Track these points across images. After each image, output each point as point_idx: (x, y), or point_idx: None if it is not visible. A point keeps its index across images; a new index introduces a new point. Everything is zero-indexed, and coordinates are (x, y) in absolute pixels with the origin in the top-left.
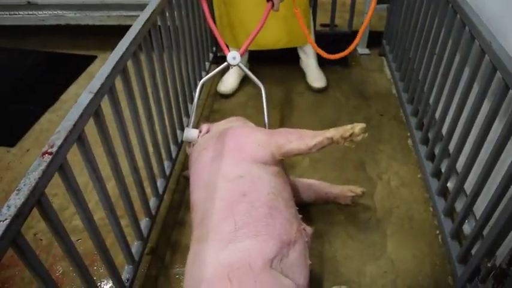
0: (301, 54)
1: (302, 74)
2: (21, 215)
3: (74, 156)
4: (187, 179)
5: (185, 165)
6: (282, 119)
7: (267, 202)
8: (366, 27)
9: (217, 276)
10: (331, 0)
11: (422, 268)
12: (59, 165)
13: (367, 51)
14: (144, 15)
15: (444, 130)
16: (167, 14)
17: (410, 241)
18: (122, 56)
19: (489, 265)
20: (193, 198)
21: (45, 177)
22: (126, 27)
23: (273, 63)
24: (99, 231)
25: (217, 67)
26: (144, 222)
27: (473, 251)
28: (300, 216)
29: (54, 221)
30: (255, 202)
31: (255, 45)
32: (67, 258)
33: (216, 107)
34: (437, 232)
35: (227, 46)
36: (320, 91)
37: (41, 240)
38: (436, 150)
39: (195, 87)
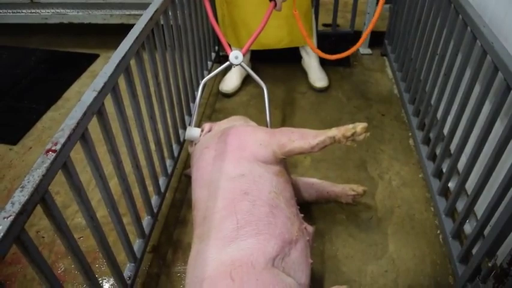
0: (303, 54)
1: (304, 74)
2: (25, 211)
3: (77, 154)
4: (189, 178)
5: (187, 164)
6: (284, 119)
7: (268, 201)
8: (369, 32)
9: (219, 275)
10: (333, 0)
11: (423, 267)
12: (62, 163)
13: (369, 51)
14: (147, 15)
15: (446, 130)
16: (170, 13)
17: (411, 241)
18: (125, 55)
19: (490, 265)
20: (195, 196)
21: (49, 175)
22: (129, 26)
23: (275, 63)
24: (101, 228)
25: (220, 66)
26: (146, 221)
27: (474, 251)
28: (302, 215)
29: (58, 218)
30: (257, 201)
31: (257, 44)
32: (69, 256)
33: (218, 106)
34: (438, 232)
35: (229, 45)
36: (322, 91)
37: (43, 237)
38: (438, 150)
39: (197, 86)
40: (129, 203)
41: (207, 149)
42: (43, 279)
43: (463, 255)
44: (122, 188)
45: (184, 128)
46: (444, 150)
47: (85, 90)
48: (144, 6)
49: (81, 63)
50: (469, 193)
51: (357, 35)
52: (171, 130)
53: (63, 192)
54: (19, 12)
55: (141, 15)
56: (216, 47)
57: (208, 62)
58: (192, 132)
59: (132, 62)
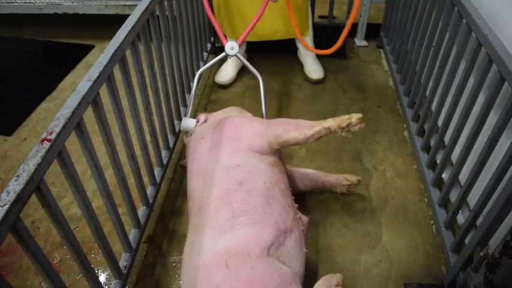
0: (299, 46)
1: (300, 66)
2: (20, 200)
3: (72, 146)
4: (184, 168)
5: (182, 155)
6: (280, 110)
7: (263, 191)
8: (351, 24)
9: (214, 263)
10: None
11: (416, 257)
12: (57, 152)
13: (365, 43)
14: (142, 5)
15: (440, 122)
16: (165, 3)
17: (405, 231)
18: (120, 45)
19: (482, 254)
20: (190, 187)
21: (44, 164)
22: (124, 17)
23: (271, 54)
24: (96, 218)
25: (216, 57)
26: (141, 211)
27: (466, 241)
28: (296, 205)
29: (53, 207)
30: (252, 191)
31: (253, 35)
32: (65, 246)
33: (213, 98)
34: (432, 222)
35: (225, 36)
36: (317, 82)
37: (39, 228)
38: (432, 142)
39: (193, 77)
40: (124, 194)
41: (203, 139)
42: (39, 269)
43: (455, 245)
44: (117, 179)
45: (180, 119)
46: (438, 141)
47: (80, 81)
48: None
49: (76, 54)
50: (462, 184)
51: (353, 26)
52: (166, 121)
53: (58, 183)
54: (13, 3)
55: (136, 5)
56: (212, 38)
57: (204, 53)
58: (188, 122)
59: (128, 53)
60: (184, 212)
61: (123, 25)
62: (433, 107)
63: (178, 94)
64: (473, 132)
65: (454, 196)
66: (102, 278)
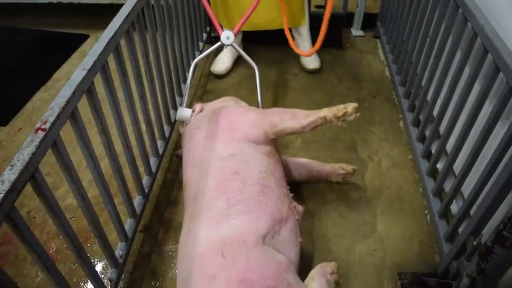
0: (296, 36)
1: (296, 56)
2: (15, 189)
3: (67, 136)
4: (180, 158)
5: (178, 145)
6: (276, 100)
7: (259, 180)
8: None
9: (210, 252)
10: None
11: (410, 247)
12: (52, 142)
13: (361, 33)
14: None
15: (435, 112)
16: None
17: (400, 220)
18: (114, 34)
19: (475, 243)
20: (186, 176)
21: (38, 153)
22: (119, 6)
23: (267, 44)
24: (92, 208)
25: (211, 47)
26: (137, 200)
27: (460, 230)
28: (292, 194)
29: (48, 196)
30: (247, 180)
31: (248, 25)
32: (61, 235)
33: (209, 87)
34: (426, 212)
35: (221, 26)
36: (314, 72)
37: (34, 218)
38: (427, 132)
39: (189, 67)
40: (120, 183)
41: (198, 129)
42: (35, 258)
43: (449, 234)
44: (113, 169)
45: (176, 109)
46: (433, 132)
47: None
48: None
49: (70, 44)
50: (456, 174)
51: (349, 16)
52: (162, 110)
53: (54, 173)
54: None
55: None
56: (208, 28)
57: (200, 43)
58: (183, 112)
59: (123, 42)
60: (180, 201)
61: (118, 14)
62: (429, 97)
63: (174, 84)
64: (468, 122)
65: (448, 186)
66: (98, 267)
